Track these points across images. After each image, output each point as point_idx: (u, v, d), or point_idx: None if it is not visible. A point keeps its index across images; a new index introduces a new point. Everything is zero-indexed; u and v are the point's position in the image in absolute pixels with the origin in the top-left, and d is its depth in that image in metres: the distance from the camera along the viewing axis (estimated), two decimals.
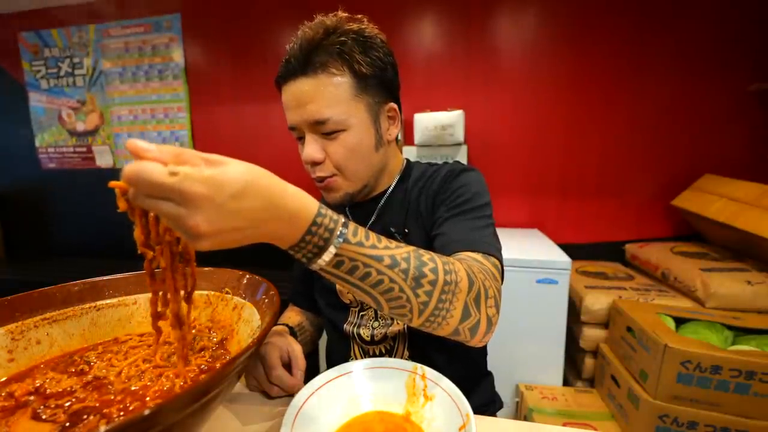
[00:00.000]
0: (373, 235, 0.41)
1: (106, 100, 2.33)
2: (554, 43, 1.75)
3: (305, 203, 0.36)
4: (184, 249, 0.40)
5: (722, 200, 1.39)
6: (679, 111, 1.67)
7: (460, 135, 1.63)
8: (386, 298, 0.41)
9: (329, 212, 0.38)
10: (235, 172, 0.31)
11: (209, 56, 2.17)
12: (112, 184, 0.34)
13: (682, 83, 1.65)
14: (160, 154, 0.30)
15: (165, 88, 2.24)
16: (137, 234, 0.37)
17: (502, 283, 0.56)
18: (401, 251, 0.42)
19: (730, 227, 1.29)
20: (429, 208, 0.66)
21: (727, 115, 1.64)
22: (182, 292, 0.42)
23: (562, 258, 1.37)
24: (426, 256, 0.44)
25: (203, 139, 2.26)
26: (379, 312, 0.69)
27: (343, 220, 0.39)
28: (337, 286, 0.71)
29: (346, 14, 0.61)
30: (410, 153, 1.72)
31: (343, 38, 0.58)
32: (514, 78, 1.81)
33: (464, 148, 1.69)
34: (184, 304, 0.43)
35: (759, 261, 1.36)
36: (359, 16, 0.62)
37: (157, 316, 0.42)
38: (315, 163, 0.61)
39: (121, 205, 0.35)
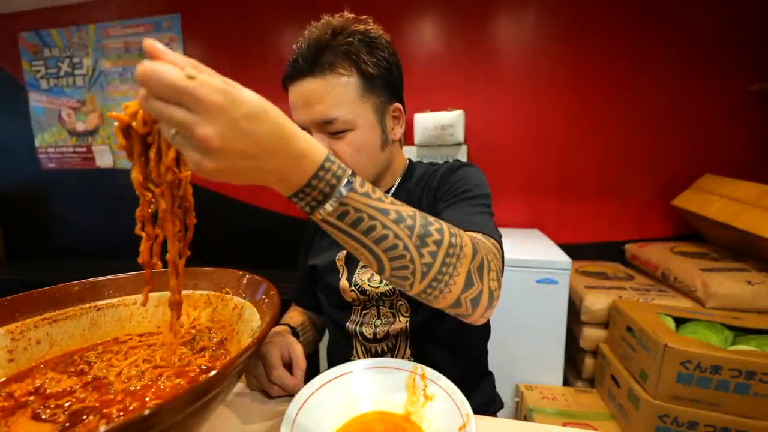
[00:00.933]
0: (378, 190, 0.39)
1: (106, 100, 2.33)
2: (554, 43, 1.75)
3: (315, 147, 0.35)
4: (185, 195, 0.39)
5: (722, 200, 1.39)
6: (679, 111, 1.67)
7: (460, 135, 1.63)
8: (389, 256, 0.39)
9: (338, 160, 0.37)
10: (252, 95, 0.30)
11: (209, 56, 2.17)
12: (111, 114, 0.33)
13: (682, 83, 1.65)
14: (176, 58, 0.28)
15: None
16: (135, 174, 0.36)
17: (503, 266, 0.55)
18: (407, 209, 0.41)
19: (730, 227, 1.29)
20: (430, 204, 0.67)
21: (727, 115, 1.64)
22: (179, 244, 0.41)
23: (562, 258, 1.37)
24: (431, 217, 0.43)
25: None
26: (381, 309, 0.69)
27: (351, 170, 0.37)
28: (340, 285, 0.71)
29: (352, 15, 0.62)
30: (410, 153, 1.72)
31: (350, 39, 0.59)
32: (514, 78, 1.81)
33: (464, 148, 1.69)
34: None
35: (759, 261, 1.36)
36: (364, 17, 0.62)
37: (149, 265, 0.41)
38: None
39: (120, 141, 0.34)
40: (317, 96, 0.58)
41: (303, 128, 0.61)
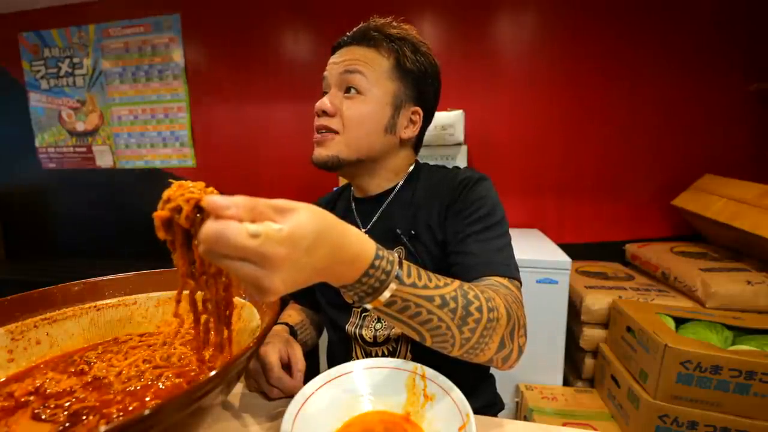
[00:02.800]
0: (423, 274, 0.42)
1: (106, 100, 2.33)
2: (554, 43, 1.75)
3: (364, 245, 0.37)
4: (229, 281, 0.40)
5: (722, 200, 1.39)
6: (679, 111, 1.67)
7: (460, 135, 1.63)
8: (432, 334, 0.43)
9: (386, 253, 0.39)
10: (307, 223, 0.31)
11: (209, 56, 2.17)
12: (156, 215, 0.33)
13: (682, 83, 1.65)
14: (235, 210, 0.29)
15: (165, 88, 2.24)
16: (179, 263, 0.36)
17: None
18: (449, 289, 0.43)
19: (730, 227, 1.29)
20: (441, 214, 0.65)
21: (727, 115, 1.63)
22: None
23: (562, 258, 1.36)
24: (471, 293, 0.45)
25: (203, 139, 2.26)
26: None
27: (398, 259, 0.40)
28: None
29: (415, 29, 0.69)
30: None
31: (402, 35, 0.66)
32: (514, 78, 1.81)
33: (464, 148, 1.69)
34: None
35: (759, 261, 1.36)
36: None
37: (202, 347, 0.42)
38: (324, 113, 0.65)
39: (162, 235, 0.34)
40: (354, 56, 0.65)
41: (325, 79, 0.66)
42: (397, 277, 0.39)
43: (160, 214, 0.33)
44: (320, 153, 0.65)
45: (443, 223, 0.65)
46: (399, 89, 0.66)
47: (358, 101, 0.64)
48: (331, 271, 0.35)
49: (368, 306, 0.39)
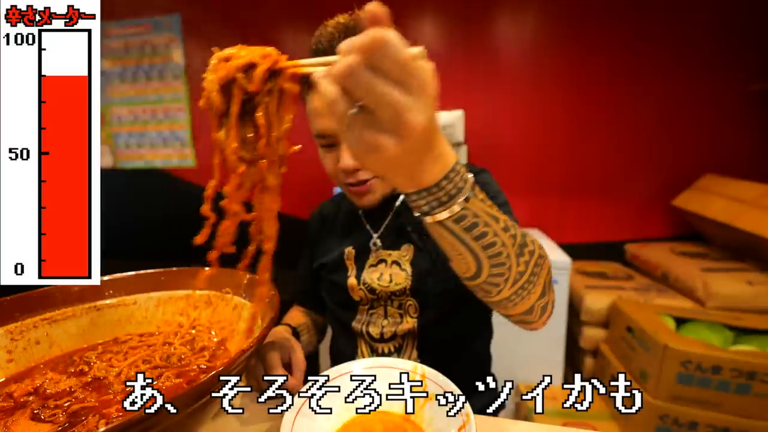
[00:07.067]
0: (486, 196, 0.39)
1: (106, 100, 2.33)
2: (555, 42, 1.74)
3: (447, 148, 0.34)
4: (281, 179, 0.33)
5: (723, 200, 1.39)
6: (679, 111, 1.67)
7: (460, 135, 1.63)
8: (492, 261, 0.39)
9: (461, 164, 0.36)
10: None
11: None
12: (215, 75, 0.26)
13: (683, 83, 1.65)
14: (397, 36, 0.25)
15: (165, 88, 2.24)
16: (229, 141, 0.28)
17: None
18: (506, 217, 0.40)
19: (731, 227, 1.29)
20: None
21: (729, 115, 1.63)
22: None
23: (562, 258, 1.36)
24: (521, 228, 0.43)
25: (203, 140, 2.26)
26: (388, 309, 0.68)
27: (472, 175, 0.36)
28: (348, 283, 0.70)
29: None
30: None
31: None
32: (514, 78, 1.81)
33: (464, 148, 1.69)
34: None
35: (759, 261, 1.36)
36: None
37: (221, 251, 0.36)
38: (356, 169, 0.61)
39: (216, 98, 0.27)
40: None
41: (327, 136, 0.61)
42: (474, 188, 0.36)
43: (221, 72, 0.26)
44: (369, 200, 0.65)
45: None
46: None
47: None
48: (425, 159, 0.32)
49: (437, 218, 0.35)
